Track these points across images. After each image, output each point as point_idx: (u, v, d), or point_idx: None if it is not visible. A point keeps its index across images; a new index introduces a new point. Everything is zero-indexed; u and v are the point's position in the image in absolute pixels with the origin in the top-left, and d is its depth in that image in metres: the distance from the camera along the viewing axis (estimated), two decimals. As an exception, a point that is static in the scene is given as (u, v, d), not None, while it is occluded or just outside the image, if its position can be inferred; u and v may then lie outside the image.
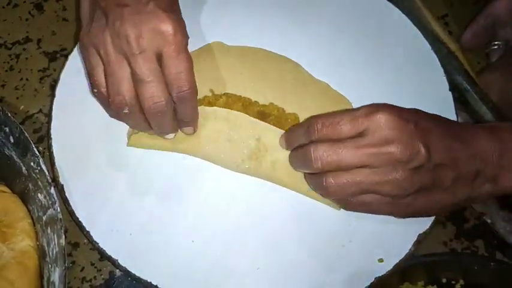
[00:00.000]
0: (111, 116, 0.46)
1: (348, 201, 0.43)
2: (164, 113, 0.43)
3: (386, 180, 0.40)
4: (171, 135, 0.47)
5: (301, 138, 0.44)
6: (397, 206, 0.42)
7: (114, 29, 0.42)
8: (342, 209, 0.46)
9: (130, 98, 0.43)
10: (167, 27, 0.42)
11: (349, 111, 0.43)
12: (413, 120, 0.41)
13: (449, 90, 0.52)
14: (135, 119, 0.45)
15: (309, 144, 0.42)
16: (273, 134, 0.48)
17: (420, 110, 0.43)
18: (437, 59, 0.53)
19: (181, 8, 0.47)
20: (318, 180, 0.43)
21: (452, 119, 0.48)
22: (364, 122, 0.41)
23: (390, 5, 0.56)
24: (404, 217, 0.44)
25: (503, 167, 0.42)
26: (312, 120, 0.43)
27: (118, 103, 0.43)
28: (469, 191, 0.42)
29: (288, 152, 0.47)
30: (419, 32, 0.55)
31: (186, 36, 0.44)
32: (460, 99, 0.52)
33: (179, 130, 0.47)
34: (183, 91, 0.43)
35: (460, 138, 0.42)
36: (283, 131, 0.48)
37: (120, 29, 0.41)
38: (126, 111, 0.44)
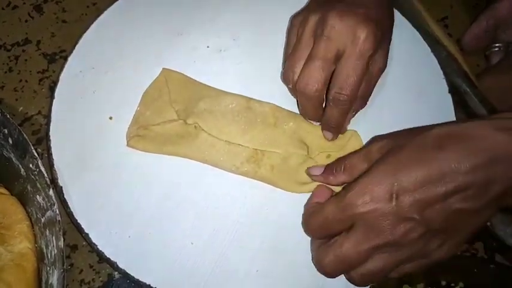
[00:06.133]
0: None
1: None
2: (310, 99, 0.44)
3: (393, 261, 0.38)
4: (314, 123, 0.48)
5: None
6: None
7: (321, 14, 0.44)
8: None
9: (295, 77, 0.45)
10: (361, 32, 0.43)
11: (330, 208, 0.39)
12: (391, 191, 0.35)
13: (449, 92, 0.52)
14: (295, 96, 0.48)
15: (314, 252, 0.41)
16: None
17: (404, 159, 0.37)
18: (436, 61, 0.53)
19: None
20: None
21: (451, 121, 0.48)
22: (347, 218, 0.37)
23: (390, 7, 0.56)
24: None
25: None
26: (307, 226, 0.42)
27: (286, 78, 0.46)
28: (496, 208, 0.37)
29: (284, 157, 0.47)
30: (418, 34, 0.55)
31: (374, 49, 0.43)
32: (460, 102, 0.52)
33: None
34: (341, 93, 0.43)
35: (478, 160, 0.35)
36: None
37: (325, 15, 0.44)
38: (290, 86, 0.46)
